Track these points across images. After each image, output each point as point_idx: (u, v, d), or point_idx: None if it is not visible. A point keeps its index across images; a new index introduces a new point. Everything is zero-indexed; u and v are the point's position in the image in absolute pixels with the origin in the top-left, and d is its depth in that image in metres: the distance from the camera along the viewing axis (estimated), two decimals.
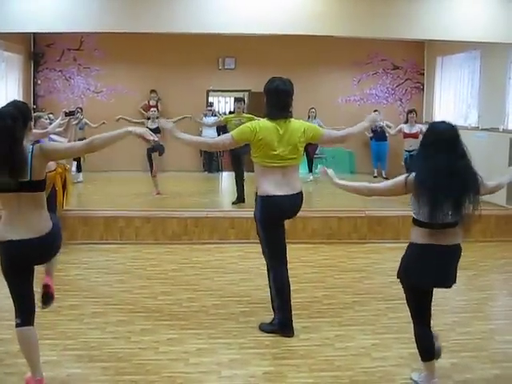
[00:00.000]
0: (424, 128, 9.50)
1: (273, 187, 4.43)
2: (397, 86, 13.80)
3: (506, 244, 7.81)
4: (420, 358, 3.76)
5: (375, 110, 12.77)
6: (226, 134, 4.66)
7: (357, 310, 5.17)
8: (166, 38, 11.58)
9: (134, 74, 13.19)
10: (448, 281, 3.71)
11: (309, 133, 4.54)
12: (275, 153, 4.40)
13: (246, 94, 14.31)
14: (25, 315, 3.54)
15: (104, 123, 9.69)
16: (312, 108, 11.79)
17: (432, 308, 3.78)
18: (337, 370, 4.07)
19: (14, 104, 3.52)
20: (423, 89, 13.72)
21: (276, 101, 4.47)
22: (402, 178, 3.64)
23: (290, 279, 5.69)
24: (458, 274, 6.19)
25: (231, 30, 8.89)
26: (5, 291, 3.64)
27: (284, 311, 4.63)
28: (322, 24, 8.76)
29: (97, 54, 13.07)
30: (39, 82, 13.04)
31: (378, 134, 12.40)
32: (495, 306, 5.76)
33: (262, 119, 4.62)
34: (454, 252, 3.68)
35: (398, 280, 3.79)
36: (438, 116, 12.86)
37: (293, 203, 4.54)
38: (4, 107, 3.46)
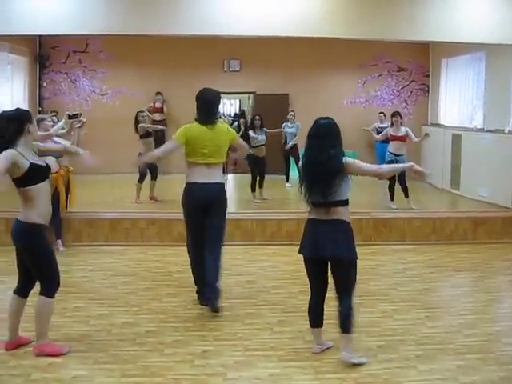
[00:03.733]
0: (410, 131, 9.41)
1: (195, 177, 5.16)
2: (402, 88, 13.78)
3: (511, 246, 7.78)
4: (309, 325, 4.32)
5: (381, 113, 12.77)
6: (169, 141, 5.39)
7: (362, 312, 5.14)
8: (171, 40, 11.58)
9: (139, 76, 13.20)
10: (321, 251, 4.05)
11: (230, 135, 5.34)
12: (203, 152, 5.10)
13: (251, 95, 14.33)
14: (17, 285, 4.26)
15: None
16: (292, 111, 11.60)
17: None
18: (342, 371, 4.06)
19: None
20: (428, 91, 13.68)
21: (204, 108, 5.21)
22: None
23: (296, 281, 5.73)
24: (463, 276, 6.18)
25: (236, 32, 8.88)
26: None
27: (198, 285, 5.38)
28: (326, 26, 8.74)
29: (102, 56, 13.09)
30: (45, 84, 13.07)
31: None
32: (501, 307, 5.72)
33: (194, 123, 5.22)
34: (328, 225, 4.06)
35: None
36: (444, 118, 12.82)
37: (208, 189, 5.15)
38: None
